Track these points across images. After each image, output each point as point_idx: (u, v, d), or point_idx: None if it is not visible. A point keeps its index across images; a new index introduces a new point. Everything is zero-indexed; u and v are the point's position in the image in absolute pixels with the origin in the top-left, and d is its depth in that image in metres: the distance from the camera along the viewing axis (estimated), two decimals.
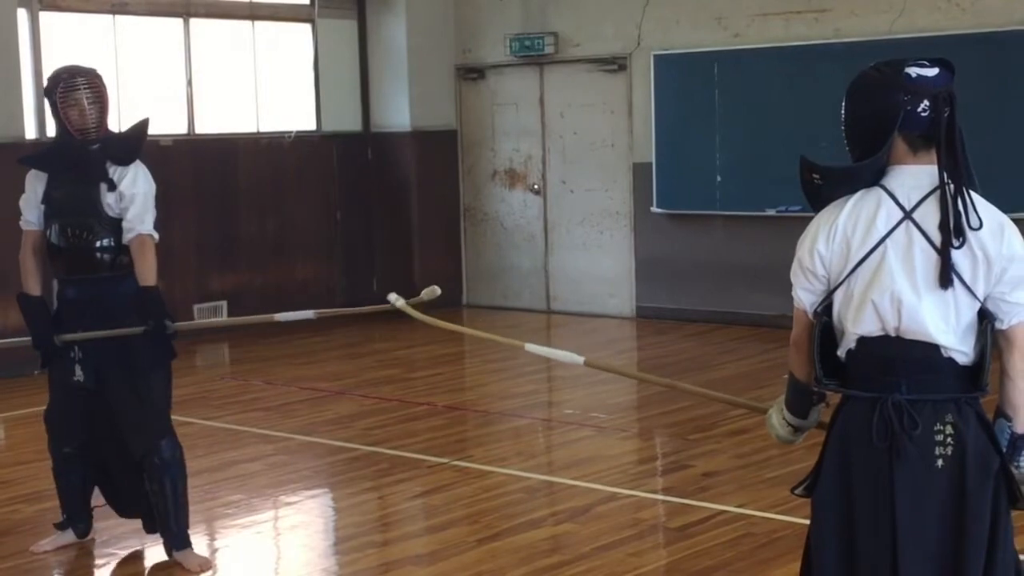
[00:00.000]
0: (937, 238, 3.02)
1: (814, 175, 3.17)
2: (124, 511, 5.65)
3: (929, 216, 3.05)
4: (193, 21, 10.98)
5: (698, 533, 5.59)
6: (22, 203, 5.35)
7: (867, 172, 3.11)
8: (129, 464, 5.37)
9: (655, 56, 11.04)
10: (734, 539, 5.49)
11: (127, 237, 5.20)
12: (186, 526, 5.38)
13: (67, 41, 10.24)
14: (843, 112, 3.18)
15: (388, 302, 4.97)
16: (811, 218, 3.22)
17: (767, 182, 10.22)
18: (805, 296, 3.19)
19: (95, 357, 5.26)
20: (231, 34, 11.28)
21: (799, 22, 10.40)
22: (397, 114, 12.12)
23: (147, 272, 5.20)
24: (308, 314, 5.85)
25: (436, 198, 12.32)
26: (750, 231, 10.65)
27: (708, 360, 9.51)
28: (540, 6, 11.75)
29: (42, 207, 5.27)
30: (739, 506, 5.93)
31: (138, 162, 5.26)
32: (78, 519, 5.57)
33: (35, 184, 5.31)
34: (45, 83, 5.34)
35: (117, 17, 10.53)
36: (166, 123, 10.85)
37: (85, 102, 5.15)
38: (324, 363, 9.92)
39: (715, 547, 5.40)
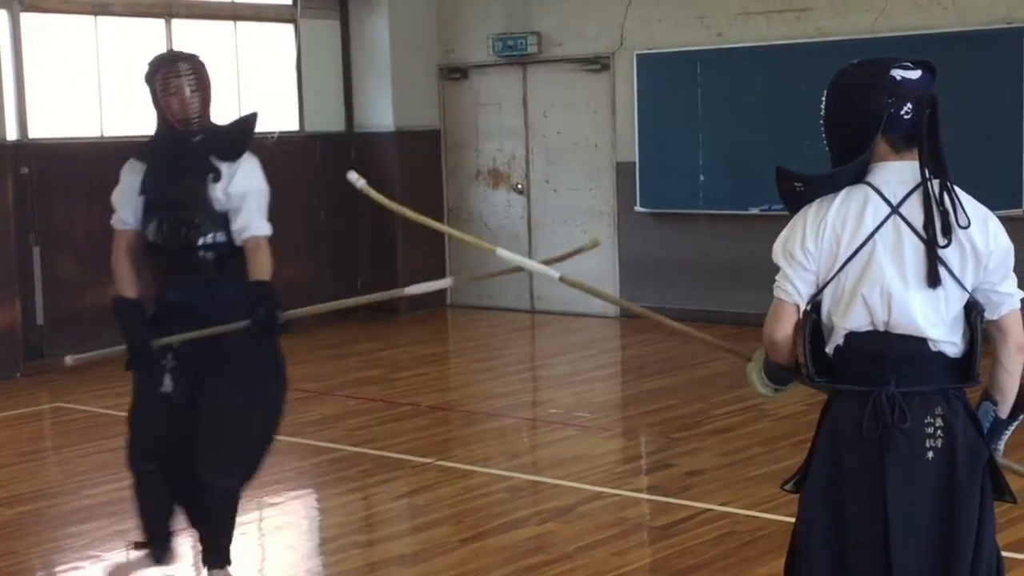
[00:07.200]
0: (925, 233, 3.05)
1: (796, 184, 3.17)
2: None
3: (916, 211, 3.07)
4: (175, 22, 10.95)
5: (682, 532, 5.59)
6: (116, 198, 4.80)
7: (850, 174, 3.12)
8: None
9: (638, 56, 11.05)
10: (718, 537, 5.49)
11: (241, 238, 4.69)
12: (226, 546, 4.85)
13: (49, 42, 10.21)
14: (823, 108, 3.19)
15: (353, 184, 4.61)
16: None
17: (750, 181, 10.23)
18: (801, 287, 3.14)
19: (189, 365, 4.68)
20: (213, 35, 11.24)
21: (781, 21, 10.42)
22: (380, 114, 12.11)
23: (263, 270, 4.68)
24: (446, 282, 5.94)
25: (420, 198, 12.22)
26: (733, 230, 10.67)
27: (692, 359, 9.51)
28: (523, 6, 11.75)
29: (140, 199, 4.73)
30: (723, 504, 5.93)
31: (248, 155, 4.79)
32: (158, 541, 4.96)
33: (131, 177, 4.78)
34: (145, 68, 4.85)
35: (99, 18, 10.49)
36: (147, 124, 10.80)
37: (187, 90, 4.77)
38: (308, 364, 9.88)
39: (699, 545, 5.40)
